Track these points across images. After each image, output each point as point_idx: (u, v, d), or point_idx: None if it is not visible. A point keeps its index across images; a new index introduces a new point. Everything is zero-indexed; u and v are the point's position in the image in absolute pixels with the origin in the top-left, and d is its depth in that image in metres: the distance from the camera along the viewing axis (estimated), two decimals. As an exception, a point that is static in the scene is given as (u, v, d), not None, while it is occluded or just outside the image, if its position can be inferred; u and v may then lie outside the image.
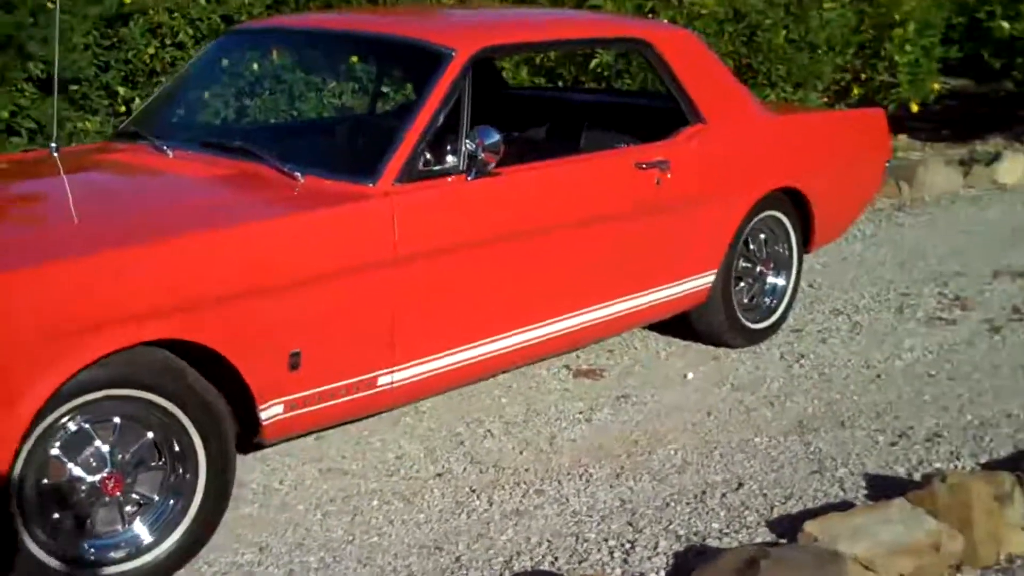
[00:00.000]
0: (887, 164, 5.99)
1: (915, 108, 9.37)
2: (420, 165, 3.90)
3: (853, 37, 8.30)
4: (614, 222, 4.50)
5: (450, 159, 3.98)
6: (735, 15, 7.68)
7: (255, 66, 4.44)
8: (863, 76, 9.59)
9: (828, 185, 5.54)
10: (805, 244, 5.59)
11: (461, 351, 4.05)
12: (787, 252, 5.50)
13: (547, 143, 5.22)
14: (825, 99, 8.28)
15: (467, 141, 3.97)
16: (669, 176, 4.67)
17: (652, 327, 5.43)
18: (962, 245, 7.19)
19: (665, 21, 7.22)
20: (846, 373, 5.11)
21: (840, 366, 5.19)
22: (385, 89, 4.57)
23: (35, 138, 6.48)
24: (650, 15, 7.91)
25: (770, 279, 5.49)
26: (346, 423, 4.09)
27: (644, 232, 4.65)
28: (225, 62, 4.49)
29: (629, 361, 5.20)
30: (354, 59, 4.43)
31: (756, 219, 5.23)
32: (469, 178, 3.98)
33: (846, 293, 6.22)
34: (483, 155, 3.97)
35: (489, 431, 4.44)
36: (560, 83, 7.87)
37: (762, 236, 5.40)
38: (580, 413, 4.63)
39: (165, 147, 4.13)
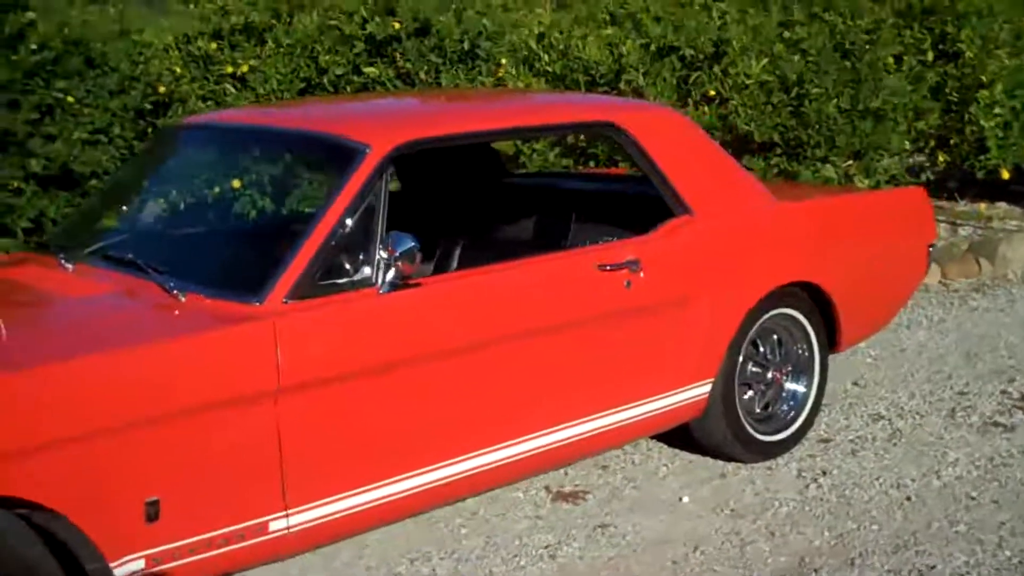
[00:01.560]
0: (931, 247, 5.26)
1: (1005, 175, 8.54)
2: (320, 279, 3.43)
3: (923, 103, 7.55)
4: (572, 331, 3.94)
5: (361, 271, 3.51)
6: (782, 85, 7.06)
7: (174, 168, 4.07)
8: (951, 141, 8.84)
9: (854, 277, 4.87)
10: (831, 344, 4.93)
11: (378, 487, 3.53)
12: (807, 354, 4.84)
13: (521, 242, 4.71)
14: (896, 171, 7.54)
15: (380, 250, 3.50)
16: (642, 276, 4.10)
17: (658, 437, 4.84)
18: (1043, 332, 6.37)
19: (641, 100, 6.62)
20: (871, 495, 4.40)
21: (866, 486, 4.48)
22: (299, 193, 4.15)
23: (31, 237, 6.25)
24: (691, 88, 7.36)
25: (788, 385, 4.82)
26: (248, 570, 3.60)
27: (613, 341, 4.08)
28: (150, 164, 4.14)
29: (621, 480, 4.59)
30: (269, 159, 4.04)
31: (764, 319, 4.60)
32: (381, 292, 3.50)
33: (894, 392, 5.48)
34: (397, 265, 3.49)
35: (434, 570, 3.90)
36: (593, 163, 7.37)
37: (775, 337, 4.76)
38: (546, 548, 4.04)
39: (65, 261, 3.77)
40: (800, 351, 4.83)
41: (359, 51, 8.56)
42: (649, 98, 7.22)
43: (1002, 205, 9.47)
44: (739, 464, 4.68)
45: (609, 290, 4.02)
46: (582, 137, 7.19)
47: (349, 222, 3.50)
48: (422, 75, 8.44)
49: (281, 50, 8.61)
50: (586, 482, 4.57)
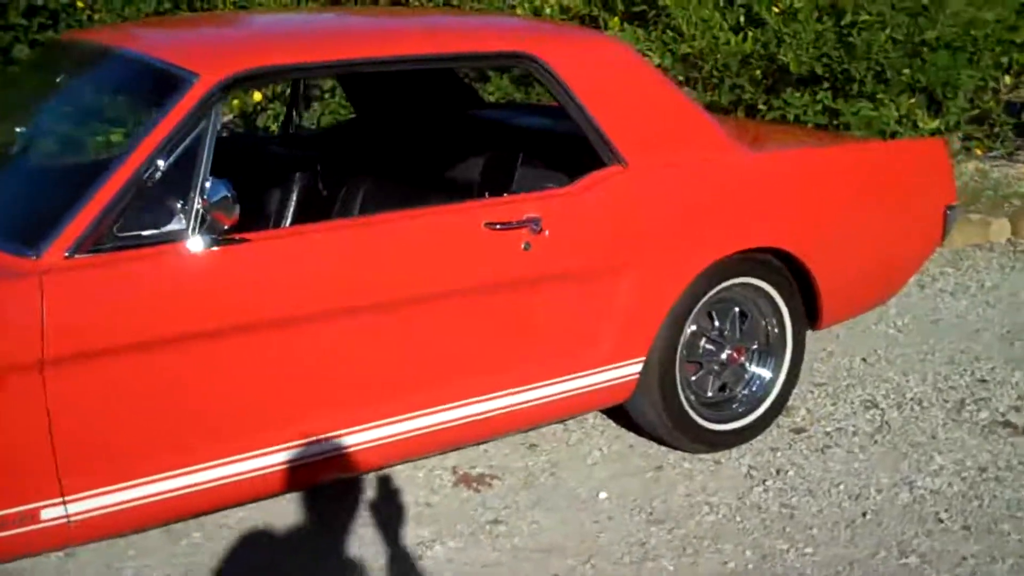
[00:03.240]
0: (950, 210, 4.44)
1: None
2: (121, 230, 2.92)
3: (1006, 34, 6.55)
4: (447, 301, 3.34)
5: (173, 223, 2.99)
6: (832, 8, 6.18)
7: (27, 91, 3.60)
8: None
9: (841, 243, 4.13)
10: (813, 320, 4.21)
11: (182, 475, 3.04)
12: (777, 331, 4.14)
13: (452, 187, 4.10)
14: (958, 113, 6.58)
15: (198, 198, 2.97)
16: (546, 237, 3.47)
17: (610, 414, 4.24)
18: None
19: (570, 26, 5.74)
20: (821, 506, 3.73)
21: (820, 494, 3.80)
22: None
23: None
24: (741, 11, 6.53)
25: (752, 366, 4.14)
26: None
27: (507, 313, 3.47)
28: (9, 86, 3.69)
29: (543, 464, 4.01)
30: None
31: (717, 289, 3.91)
32: (191, 249, 2.97)
33: (904, 374, 4.72)
34: (210, 216, 2.96)
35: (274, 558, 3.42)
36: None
37: (736, 310, 4.07)
38: (418, 544, 3.51)
39: None
40: (769, 327, 4.13)
41: None
42: (684, 21, 6.43)
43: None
44: (684, 455, 4.05)
45: (500, 253, 3.41)
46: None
47: (161, 163, 2.96)
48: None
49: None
50: (502, 464, 4.00)
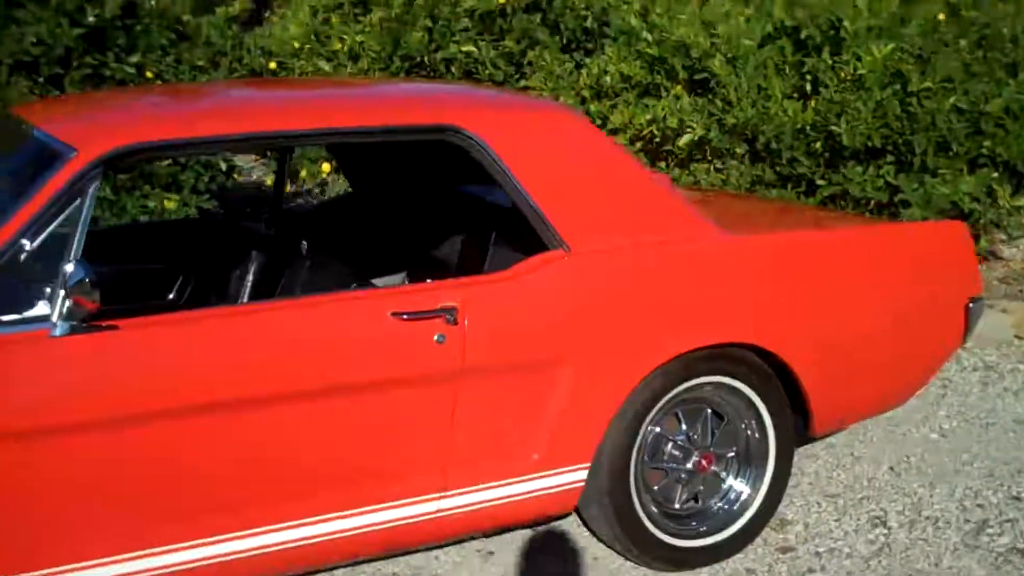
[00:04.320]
0: (973, 303, 3.92)
1: None
2: None
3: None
4: (343, 397, 3.05)
5: (37, 306, 2.81)
6: (896, 76, 5.70)
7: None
8: None
9: (837, 341, 3.68)
10: (807, 425, 3.76)
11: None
12: (759, 438, 3.70)
13: (408, 266, 3.84)
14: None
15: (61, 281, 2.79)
16: (466, 329, 3.15)
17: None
18: None
19: (510, 93, 5.28)
20: (784, 642, 3.27)
21: (787, 627, 3.34)
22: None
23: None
24: (808, 78, 6.09)
25: (728, 479, 3.71)
26: None
27: (417, 411, 3.16)
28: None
29: (497, 573, 3.65)
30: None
31: (682, 388, 3.52)
32: (54, 333, 2.78)
33: (930, 487, 4.18)
34: (72, 300, 2.76)
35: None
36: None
37: (708, 412, 3.66)
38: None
39: None
40: (749, 433, 3.70)
41: (463, 27, 7.80)
42: (731, 89, 6.05)
43: None
44: (649, 571, 3.64)
45: (408, 346, 3.11)
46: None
47: (26, 242, 2.80)
48: (530, 55, 7.59)
49: (385, 24, 7.98)
50: (449, 573, 3.67)
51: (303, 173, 7.65)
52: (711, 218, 3.63)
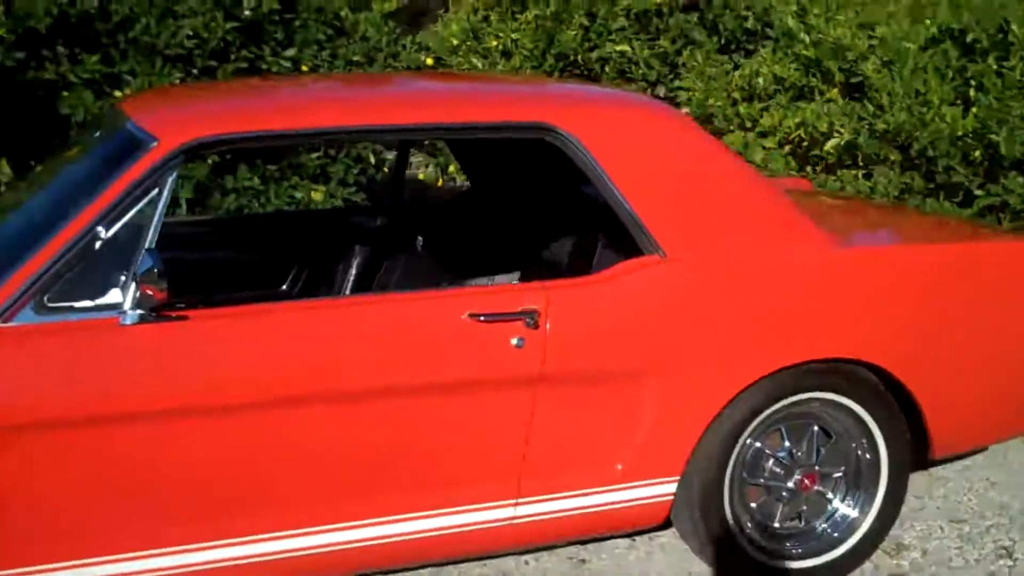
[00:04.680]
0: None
1: None
2: (54, 299, 2.79)
3: None
4: (415, 398, 3.00)
5: (109, 294, 2.85)
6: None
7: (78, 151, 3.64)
8: None
9: (958, 358, 3.44)
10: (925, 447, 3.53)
11: (104, 563, 2.87)
12: (870, 458, 3.48)
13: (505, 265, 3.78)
14: None
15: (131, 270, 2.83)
16: (546, 333, 3.07)
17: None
18: None
19: (610, 90, 4.95)
20: None
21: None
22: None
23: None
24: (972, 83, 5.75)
25: (835, 500, 3.51)
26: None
27: (491, 416, 3.09)
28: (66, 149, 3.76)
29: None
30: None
31: (785, 404, 3.35)
32: (124, 322, 2.82)
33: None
34: (142, 290, 2.80)
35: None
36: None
37: (815, 428, 3.47)
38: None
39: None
40: (860, 453, 3.49)
41: (620, 26, 7.70)
42: (884, 93, 5.75)
43: None
44: (744, 590, 3.48)
45: (483, 349, 3.04)
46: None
47: (101, 230, 2.84)
48: (685, 56, 7.44)
49: (540, 22, 7.95)
50: (536, 579, 3.59)
51: (452, 167, 7.68)
52: (827, 227, 3.44)
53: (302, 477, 2.96)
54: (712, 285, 3.24)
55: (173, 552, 2.89)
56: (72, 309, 2.81)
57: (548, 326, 3.07)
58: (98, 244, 2.84)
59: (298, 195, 6.14)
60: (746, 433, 3.33)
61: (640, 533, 3.71)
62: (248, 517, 2.94)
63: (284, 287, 4.16)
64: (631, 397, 3.18)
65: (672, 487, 3.29)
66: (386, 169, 7.32)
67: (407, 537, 3.10)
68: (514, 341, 3.05)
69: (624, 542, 3.74)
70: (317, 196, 6.16)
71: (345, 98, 3.43)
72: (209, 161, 5.75)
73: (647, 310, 3.18)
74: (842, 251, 3.42)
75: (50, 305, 2.80)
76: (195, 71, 6.09)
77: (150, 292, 2.77)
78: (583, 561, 3.67)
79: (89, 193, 2.90)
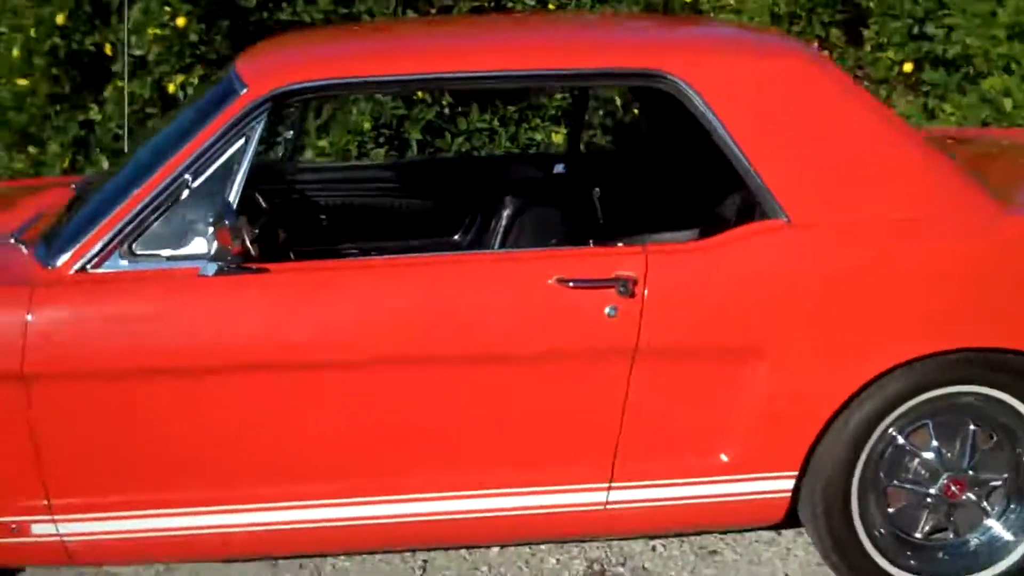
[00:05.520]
0: None
1: None
2: (142, 247, 2.77)
3: None
4: (496, 367, 2.77)
5: (192, 243, 2.79)
6: None
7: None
8: None
9: None
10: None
11: (167, 516, 2.83)
12: (1039, 466, 2.99)
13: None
14: None
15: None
16: (644, 303, 2.77)
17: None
18: None
19: (749, 30, 4.28)
20: None
21: None
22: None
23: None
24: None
25: (992, 512, 3.03)
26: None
27: (581, 391, 2.82)
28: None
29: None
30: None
31: (928, 397, 2.91)
32: (203, 272, 2.75)
33: None
34: (216, 241, 2.72)
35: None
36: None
37: (971, 428, 3.00)
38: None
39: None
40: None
41: None
42: None
43: None
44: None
45: (573, 318, 2.77)
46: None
47: (190, 179, 2.78)
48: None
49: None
50: (658, 569, 3.30)
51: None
52: (1006, 194, 2.96)
53: (378, 442, 2.82)
54: (843, 256, 2.83)
55: (238, 510, 2.82)
56: (159, 258, 2.78)
57: (646, 295, 2.77)
58: (185, 193, 2.79)
59: (537, 137, 5.97)
60: (880, 428, 2.91)
61: (785, 527, 3.36)
62: (321, 479, 2.83)
63: (456, 236, 4.02)
64: (741, 380, 2.83)
65: (788, 484, 2.92)
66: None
67: (493, 514, 2.90)
68: (607, 310, 2.77)
69: (767, 535, 3.41)
70: (558, 138, 5.96)
71: (438, 46, 3.20)
72: (444, 102, 5.70)
73: (763, 282, 2.81)
74: (1012, 218, 2.91)
75: (138, 253, 2.77)
76: (432, 10, 5.98)
77: (226, 244, 2.69)
78: (713, 552, 3.36)
79: (181, 142, 2.83)
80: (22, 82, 5.61)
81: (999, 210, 2.91)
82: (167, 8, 5.50)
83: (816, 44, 6.04)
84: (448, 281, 2.80)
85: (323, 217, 3.96)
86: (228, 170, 2.78)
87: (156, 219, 2.78)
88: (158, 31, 5.49)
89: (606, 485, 2.89)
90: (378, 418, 2.79)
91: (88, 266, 2.76)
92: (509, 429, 2.84)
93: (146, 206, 2.77)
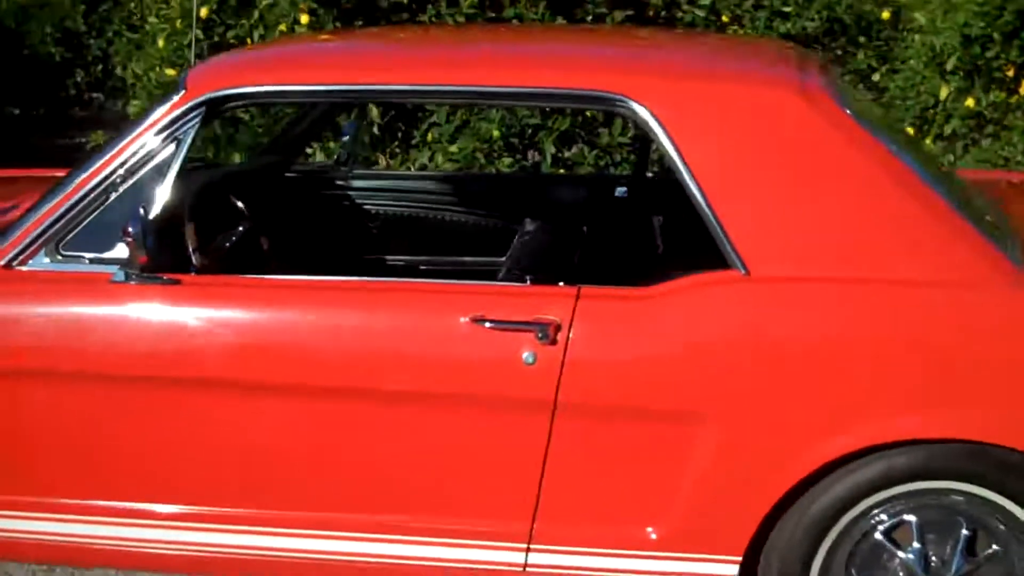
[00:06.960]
0: None
1: None
2: (67, 248, 2.72)
3: None
4: (406, 406, 2.54)
5: (114, 247, 2.71)
6: None
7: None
8: None
9: None
10: None
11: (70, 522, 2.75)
12: (1042, 580, 2.49)
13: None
14: None
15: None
16: (569, 351, 2.46)
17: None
18: None
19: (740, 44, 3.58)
20: None
21: None
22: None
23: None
24: None
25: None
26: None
27: (492, 442, 2.54)
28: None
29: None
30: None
31: (900, 491, 2.47)
32: (115, 279, 2.66)
33: None
34: (129, 248, 2.62)
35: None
36: None
37: (964, 531, 2.53)
38: None
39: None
40: (1020, 562, 2.51)
41: None
42: None
43: None
44: None
45: (487, 361, 2.49)
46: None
47: (119, 180, 2.70)
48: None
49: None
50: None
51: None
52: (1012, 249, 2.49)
53: (255, 472, 2.66)
54: (806, 317, 2.45)
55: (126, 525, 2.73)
56: (82, 259, 2.72)
57: (569, 343, 2.47)
58: (113, 196, 2.71)
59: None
60: (845, 520, 2.50)
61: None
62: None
63: (503, 257, 3.82)
64: (676, 447, 2.49)
65: (730, 570, 2.54)
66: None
67: (402, 562, 2.68)
68: (525, 356, 2.48)
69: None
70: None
71: (390, 56, 2.97)
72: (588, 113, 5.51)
73: (709, 339, 2.45)
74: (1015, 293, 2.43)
75: (64, 254, 2.72)
76: (588, 17, 5.86)
77: (132, 251, 2.58)
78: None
79: (117, 142, 2.76)
80: (170, 72, 5.74)
81: (1007, 270, 2.43)
82: (301, 4, 5.52)
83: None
84: (356, 308, 2.59)
85: (372, 226, 3.83)
86: (157, 174, 2.68)
87: (83, 220, 2.71)
88: (283, 28, 5.52)
89: (524, 546, 2.61)
90: (267, 446, 2.62)
91: (14, 263, 2.72)
92: (422, 471, 2.61)
93: (73, 206, 2.71)
